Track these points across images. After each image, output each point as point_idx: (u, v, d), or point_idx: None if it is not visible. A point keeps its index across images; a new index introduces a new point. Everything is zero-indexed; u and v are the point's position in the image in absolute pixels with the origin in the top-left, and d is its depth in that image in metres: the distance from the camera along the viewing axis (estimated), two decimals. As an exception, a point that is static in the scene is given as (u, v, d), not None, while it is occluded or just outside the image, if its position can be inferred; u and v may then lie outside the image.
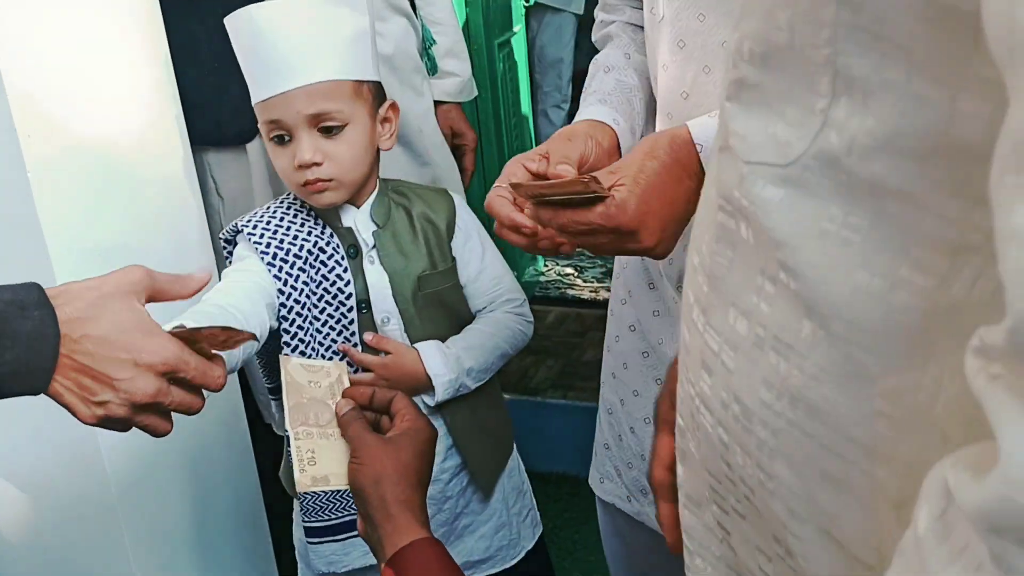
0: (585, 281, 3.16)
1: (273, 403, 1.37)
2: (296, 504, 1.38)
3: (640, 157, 0.87)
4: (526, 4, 3.06)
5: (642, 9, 1.10)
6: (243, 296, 1.17)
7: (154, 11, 1.40)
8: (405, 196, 1.33)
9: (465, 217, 1.35)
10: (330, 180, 1.21)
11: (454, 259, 1.34)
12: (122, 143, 1.34)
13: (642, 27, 1.13)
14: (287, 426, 0.93)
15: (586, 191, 0.81)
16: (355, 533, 1.30)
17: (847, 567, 0.46)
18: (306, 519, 1.31)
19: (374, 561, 1.25)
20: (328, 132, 1.20)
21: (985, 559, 0.30)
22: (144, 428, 0.85)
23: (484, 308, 1.38)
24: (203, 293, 0.99)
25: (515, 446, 1.48)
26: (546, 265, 3.25)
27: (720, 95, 0.54)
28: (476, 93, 1.93)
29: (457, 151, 1.95)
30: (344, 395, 0.98)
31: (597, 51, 1.21)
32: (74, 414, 0.82)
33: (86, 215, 1.26)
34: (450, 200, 1.35)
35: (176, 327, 0.90)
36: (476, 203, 2.59)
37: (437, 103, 1.90)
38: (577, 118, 1.07)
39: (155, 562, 1.38)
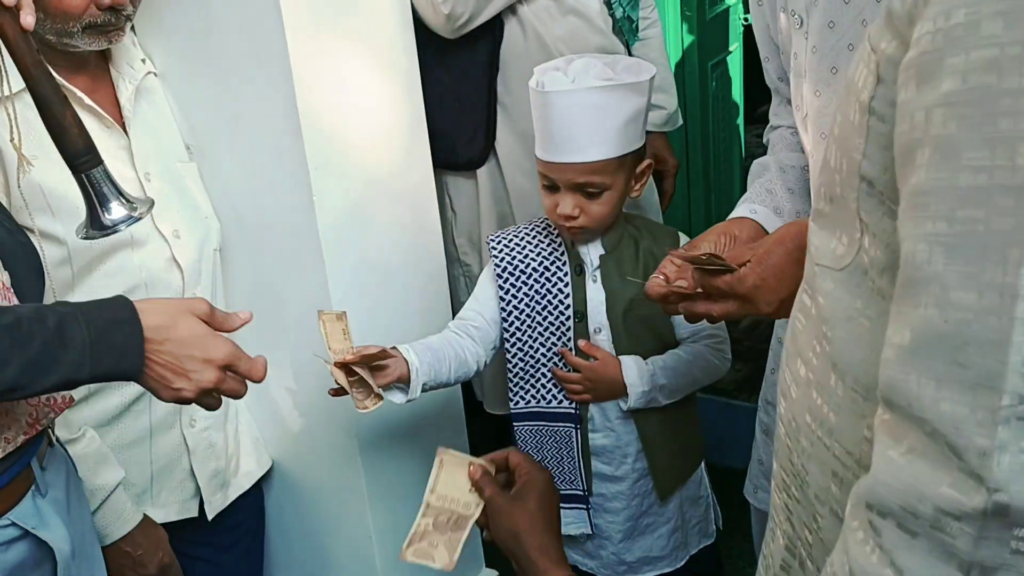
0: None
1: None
2: None
3: (771, 242, 1.08)
4: (744, 23, 3.18)
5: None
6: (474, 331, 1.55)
7: (412, 62, 1.71)
8: (638, 230, 1.56)
9: None
10: (583, 228, 1.48)
11: None
12: (383, 168, 1.66)
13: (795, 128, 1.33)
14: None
15: (715, 265, 1.08)
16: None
17: None
18: None
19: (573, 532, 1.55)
20: (589, 194, 1.45)
21: (866, 524, 0.52)
22: (201, 405, 1.07)
23: (688, 338, 1.57)
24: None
25: (703, 463, 1.65)
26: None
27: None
28: (680, 123, 2.12)
29: (657, 175, 2.16)
30: (474, 463, 1.12)
31: None
32: (156, 396, 1.04)
33: (353, 230, 1.59)
34: (676, 239, 1.56)
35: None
36: (679, 224, 2.77)
37: (644, 131, 2.11)
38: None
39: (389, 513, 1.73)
